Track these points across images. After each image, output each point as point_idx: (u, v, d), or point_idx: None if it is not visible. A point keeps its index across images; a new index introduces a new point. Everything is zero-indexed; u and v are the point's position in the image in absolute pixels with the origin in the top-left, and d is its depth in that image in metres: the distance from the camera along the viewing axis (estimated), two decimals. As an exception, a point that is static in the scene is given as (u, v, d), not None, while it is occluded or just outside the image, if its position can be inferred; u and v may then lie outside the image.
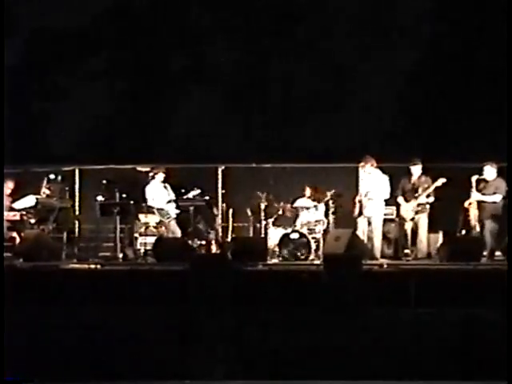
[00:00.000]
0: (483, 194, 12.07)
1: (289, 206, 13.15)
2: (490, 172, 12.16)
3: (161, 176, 12.94)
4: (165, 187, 12.96)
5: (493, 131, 14.40)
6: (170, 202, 12.80)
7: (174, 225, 12.84)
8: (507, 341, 6.71)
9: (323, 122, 16.12)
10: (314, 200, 13.15)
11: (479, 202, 12.03)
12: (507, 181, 12.03)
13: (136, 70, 17.15)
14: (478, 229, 12.03)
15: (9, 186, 12.75)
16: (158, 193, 12.88)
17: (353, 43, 16.53)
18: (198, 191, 12.81)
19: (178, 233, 12.78)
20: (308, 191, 13.27)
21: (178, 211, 12.89)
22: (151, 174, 13.05)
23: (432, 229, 12.59)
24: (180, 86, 16.92)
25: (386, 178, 12.29)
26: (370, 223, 12.21)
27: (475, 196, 12.06)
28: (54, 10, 16.81)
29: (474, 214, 12.07)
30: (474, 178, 12.12)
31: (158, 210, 12.84)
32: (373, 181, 12.25)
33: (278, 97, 16.79)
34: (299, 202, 13.27)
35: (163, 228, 12.86)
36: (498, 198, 11.99)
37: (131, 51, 17.17)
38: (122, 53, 17.31)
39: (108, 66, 17.38)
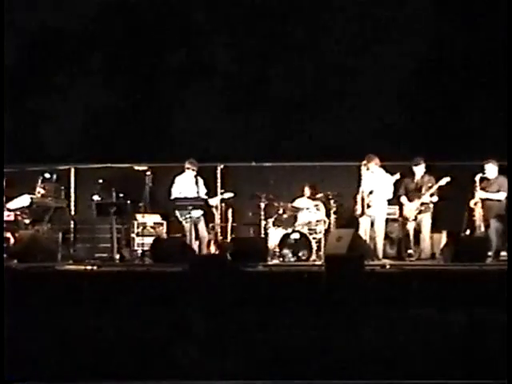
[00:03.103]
0: (487, 192, 11.93)
1: (289, 205, 12.99)
2: (491, 170, 12.04)
3: (192, 171, 12.44)
4: (196, 183, 12.44)
5: (497, 129, 14.29)
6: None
7: (192, 227, 12.20)
8: (507, 340, 6.55)
9: (323, 120, 16.08)
10: (313, 199, 13.00)
11: (484, 202, 11.88)
12: (508, 181, 11.88)
13: (134, 68, 17.09)
14: (482, 228, 11.88)
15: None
16: (187, 186, 12.30)
17: (355, 41, 16.47)
18: (231, 194, 12.59)
19: (203, 235, 12.31)
20: (307, 191, 13.10)
21: (202, 212, 12.28)
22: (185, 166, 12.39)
23: (436, 229, 12.44)
24: (179, 84, 16.84)
25: (389, 178, 12.10)
26: (372, 223, 12.04)
27: (480, 194, 11.90)
28: (52, 8, 16.78)
29: (479, 213, 11.93)
30: (477, 177, 11.97)
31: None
32: (376, 180, 12.07)
33: (279, 95, 16.70)
34: (298, 202, 13.08)
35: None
36: (502, 195, 11.85)
37: (128, 49, 17.11)
38: (118, 51, 17.25)
39: (105, 65, 17.34)
